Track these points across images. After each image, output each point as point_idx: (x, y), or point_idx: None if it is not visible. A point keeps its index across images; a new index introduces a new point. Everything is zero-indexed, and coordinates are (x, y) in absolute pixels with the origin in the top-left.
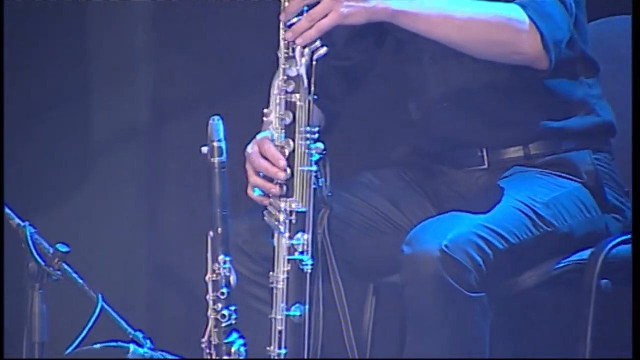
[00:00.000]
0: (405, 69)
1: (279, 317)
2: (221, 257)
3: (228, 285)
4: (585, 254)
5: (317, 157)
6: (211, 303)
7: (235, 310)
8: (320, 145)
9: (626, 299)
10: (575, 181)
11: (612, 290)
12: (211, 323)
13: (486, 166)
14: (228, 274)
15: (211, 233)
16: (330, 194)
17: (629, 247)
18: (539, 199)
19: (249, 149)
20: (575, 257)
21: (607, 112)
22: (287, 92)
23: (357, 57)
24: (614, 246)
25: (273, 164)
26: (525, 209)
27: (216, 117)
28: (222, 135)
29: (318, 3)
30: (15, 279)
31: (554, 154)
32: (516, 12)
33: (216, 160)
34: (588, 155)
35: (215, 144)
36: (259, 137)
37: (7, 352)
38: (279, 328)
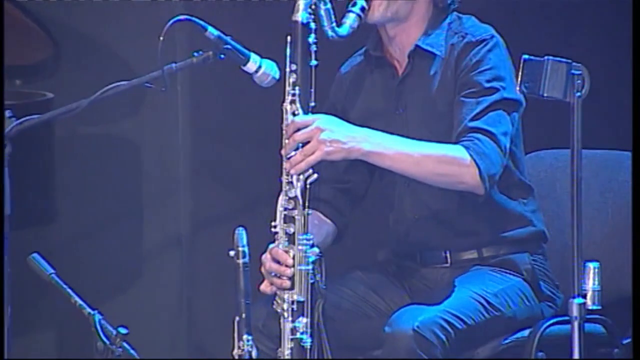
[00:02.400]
0: (386, 189)
1: None
2: (245, 337)
3: (249, 357)
4: (525, 332)
5: (314, 258)
6: None
7: None
8: (316, 249)
9: None
10: (517, 276)
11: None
12: None
13: (449, 265)
14: (250, 350)
15: (237, 317)
16: (324, 287)
17: (559, 326)
18: (490, 290)
19: (264, 257)
20: (517, 335)
21: (540, 223)
22: (288, 209)
23: (354, 180)
24: (547, 326)
25: (280, 264)
26: (478, 298)
27: (240, 228)
28: (245, 242)
29: (309, 142)
30: (87, 356)
31: (501, 256)
32: (460, 152)
33: (240, 261)
34: (527, 257)
35: (240, 249)
36: (270, 247)
37: None
38: None
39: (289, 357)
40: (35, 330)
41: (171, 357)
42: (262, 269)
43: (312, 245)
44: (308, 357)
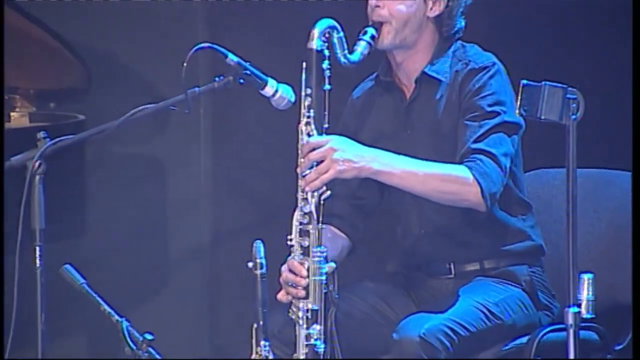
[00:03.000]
0: (394, 205)
1: None
2: (262, 342)
3: None
4: (524, 339)
5: (325, 269)
6: None
7: None
8: (332, 264)
9: None
10: (517, 287)
11: None
12: None
13: (452, 276)
14: (267, 355)
15: (255, 325)
16: (337, 296)
17: (556, 334)
18: (491, 299)
19: (283, 268)
20: (516, 342)
21: (539, 238)
22: (303, 223)
23: (367, 197)
24: (545, 334)
25: (295, 274)
26: (480, 307)
27: (258, 241)
28: (262, 254)
29: (323, 161)
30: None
31: (501, 267)
32: (464, 171)
33: (258, 272)
34: (526, 269)
35: (258, 260)
36: (288, 259)
37: None
38: None
39: None
40: (67, 336)
41: None
42: (281, 279)
43: (326, 257)
44: None
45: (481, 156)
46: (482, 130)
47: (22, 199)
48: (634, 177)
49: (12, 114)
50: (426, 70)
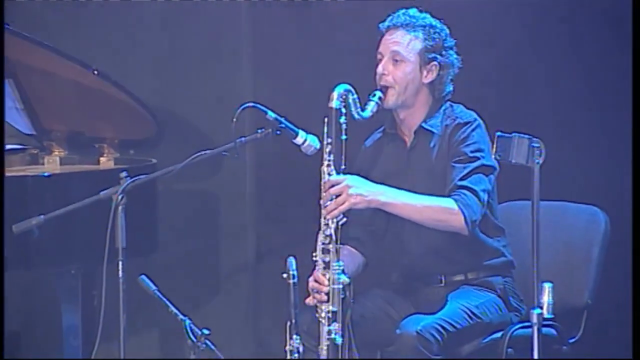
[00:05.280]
0: (397, 230)
1: None
2: (294, 337)
3: (298, 352)
4: (499, 334)
5: (343, 278)
6: None
7: None
8: (347, 279)
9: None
10: (493, 293)
11: (514, 354)
12: None
13: (443, 285)
14: (298, 346)
15: (288, 323)
16: (352, 300)
17: (523, 330)
18: (473, 303)
19: (310, 279)
20: (493, 336)
21: (510, 255)
22: (325, 244)
23: (376, 223)
24: (515, 330)
25: (319, 284)
26: (465, 309)
27: (291, 257)
28: (294, 267)
29: (341, 195)
30: (180, 350)
31: (481, 278)
32: (450, 203)
33: (291, 281)
34: (500, 279)
35: (290, 272)
36: (315, 271)
37: None
38: None
39: (326, 351)
40: (142, 332)
41: (241, 351)
42: (309, 288)
43: (343, 270)
44: (340, 352)
45: (465, 191)
46: (465, 171)
47: (108, 224)
48: (634, 178)
49: (101, 158)
50: (423, 124)
